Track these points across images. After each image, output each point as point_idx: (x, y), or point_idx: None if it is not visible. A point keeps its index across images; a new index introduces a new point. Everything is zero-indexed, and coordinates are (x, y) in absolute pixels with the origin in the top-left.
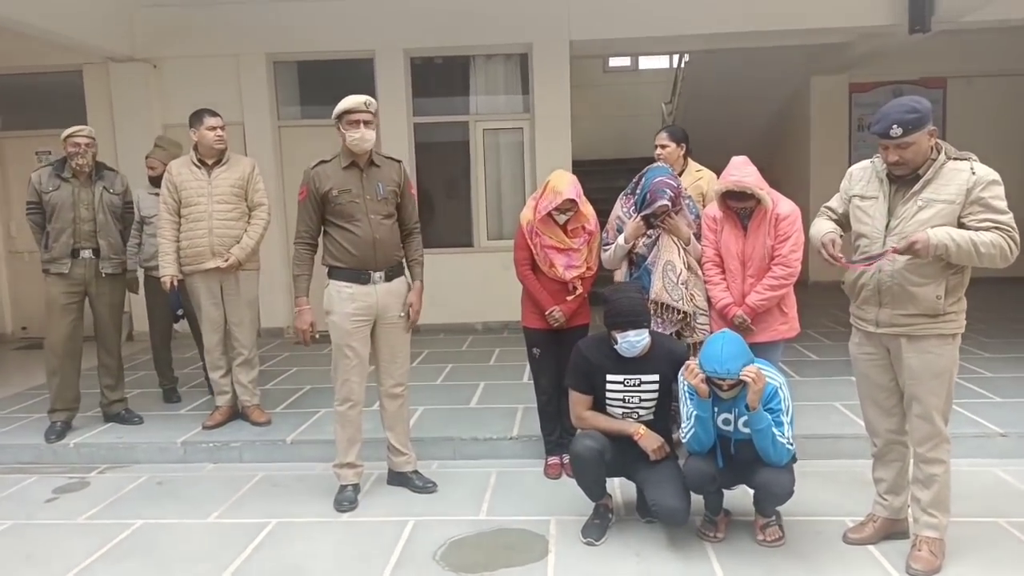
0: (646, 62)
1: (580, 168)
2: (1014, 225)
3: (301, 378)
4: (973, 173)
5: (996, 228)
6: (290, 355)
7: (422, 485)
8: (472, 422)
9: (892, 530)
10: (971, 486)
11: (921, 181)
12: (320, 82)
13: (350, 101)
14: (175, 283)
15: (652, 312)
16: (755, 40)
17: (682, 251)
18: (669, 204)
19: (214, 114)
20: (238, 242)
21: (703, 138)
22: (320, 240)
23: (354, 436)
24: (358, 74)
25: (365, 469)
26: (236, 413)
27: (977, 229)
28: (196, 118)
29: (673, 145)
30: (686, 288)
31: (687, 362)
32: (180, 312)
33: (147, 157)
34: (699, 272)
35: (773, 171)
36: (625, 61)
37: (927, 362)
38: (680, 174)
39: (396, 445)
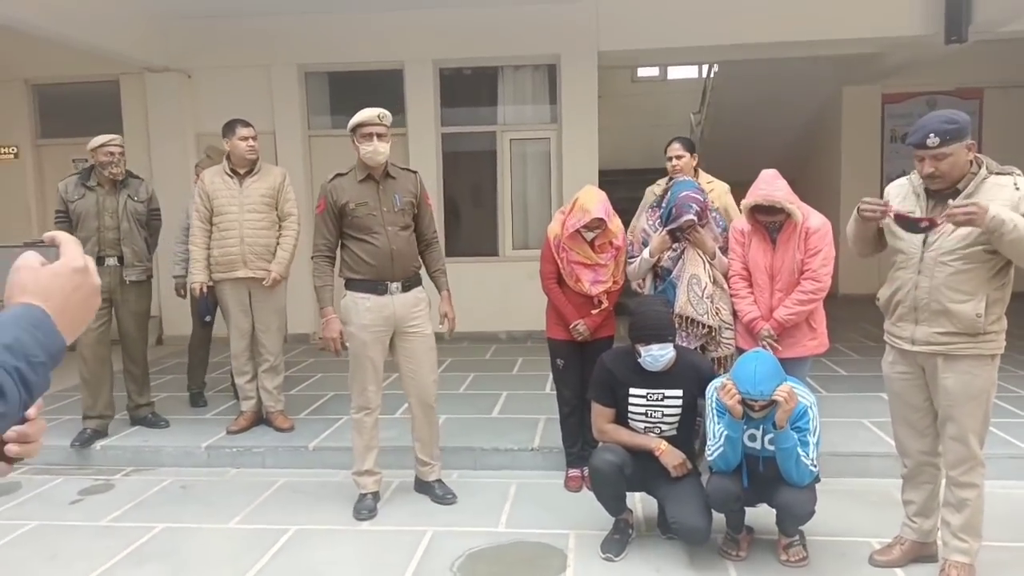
0: (675, 72)
1: (607, 177)
2: None
3: (324, 384)
4: (1017, 188)
5: None
6: (314, 361)
7: (441, 495)
8: (493, 432)
9: (920, 553)
10: (1003, 509)
11: (962, 196)
12: (350, 92)
13: (364, 114)
14: (204, 289)
15: (677, 326)
16: (785, 50)
17: (708, 265)
18: (695, 219)
19: (246, 124)
20: (271, 251)
21: (731, 149)
22: (337, 253)
23: (370, 443)
24: (388, 85)
25: (385, 477)
26: (260, 418)
27: None
28: (229, 128)
29: (687, 156)
30: (711, 302)
31: (723, 381)
32: (208, 318)
33: (196, 166)
34: (724, 286)
35: (803, 183)
36: (654, 71)
37: (964, 383)
38: None
39: (420, 455)
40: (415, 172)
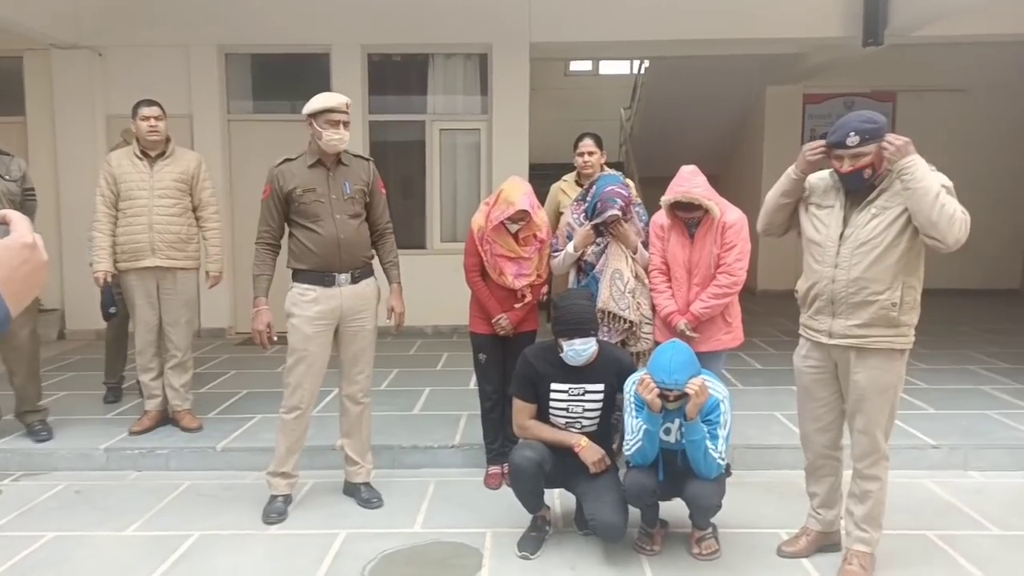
0: (607, 67)
1: (537, 171)
2: (969, 219)
3: (239, 382)
4: None
5: (959, 206)
6: (229, 358)
7: (366, 499)
8: (414, 429)
9: (825, 543)
10: (903, 499)
11: (876, 191)
12: (273, 76)
13: (331, 100)
14: (108, 279)
15: (599, 320)
16: (711, 48)
17: (630, 259)
18: (619, 214)
19: (151, 104)
20: (182, 239)
21: (660, 144)
22: (284, 242)
23: (295, 445)
24: (313, 69)
25: (300, 479)
26: (166, 418)
27: None
28: (134, 109)
29: (599, 152)
30: (633, 297)
31: (641, 376)
32: (112, 310)
33: (111, 150)
34: (645, 280)
35: (726, 179)
36: (587, 65)
37: (874, 378)
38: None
39: (351, 454)
40: (369, 160)
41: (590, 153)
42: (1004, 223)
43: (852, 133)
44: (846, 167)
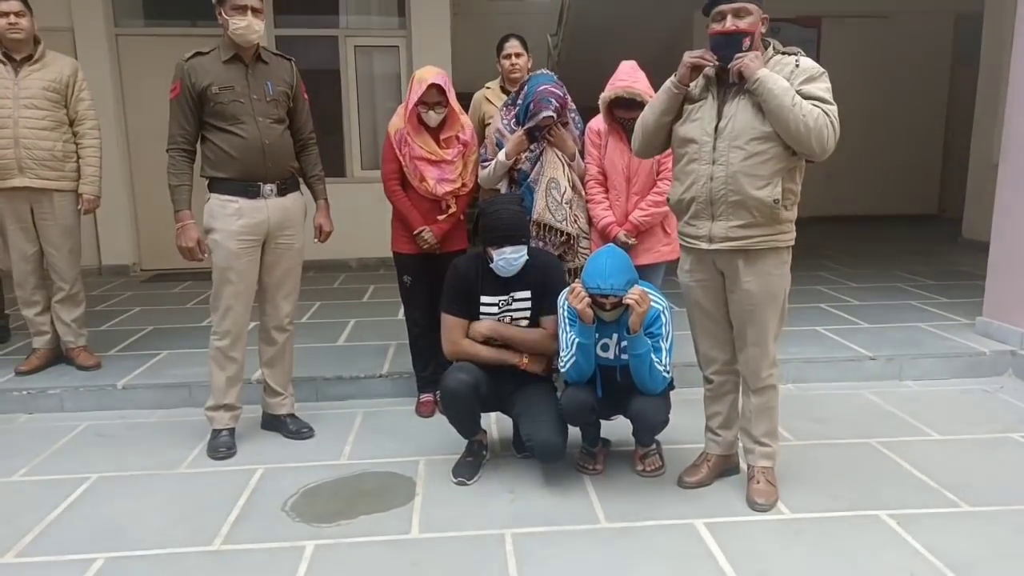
0: None
1: (462, 102)
2: (837, 117)
3: (144, 319)
4: (797, 66)
5: (820, 111)
6: (134, 295)
7: (295, 430)
8: (339, 360)
9: (724, 467)
10: (844, 409)
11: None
12: None
13: None
14: None
15: (534, 234)
16: None
17: (567, 168)
18: (554, 115)
19: None
20: (55, 157)
21: (587, 72)
22: (198, 148)
23: (236, 376)
24: None
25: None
26: (58, 356)
27: None
28: None
29: (526, 55)
30: (570, 208)
31: (572, 285)
32: None
33: None
34: (583, 192)
35: None
36: None
37: (765, 284)
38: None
39: (273, 385)
40: (291, 60)
41: (517, 55)
42: (923, 150)
43: None
44: (728, 25)
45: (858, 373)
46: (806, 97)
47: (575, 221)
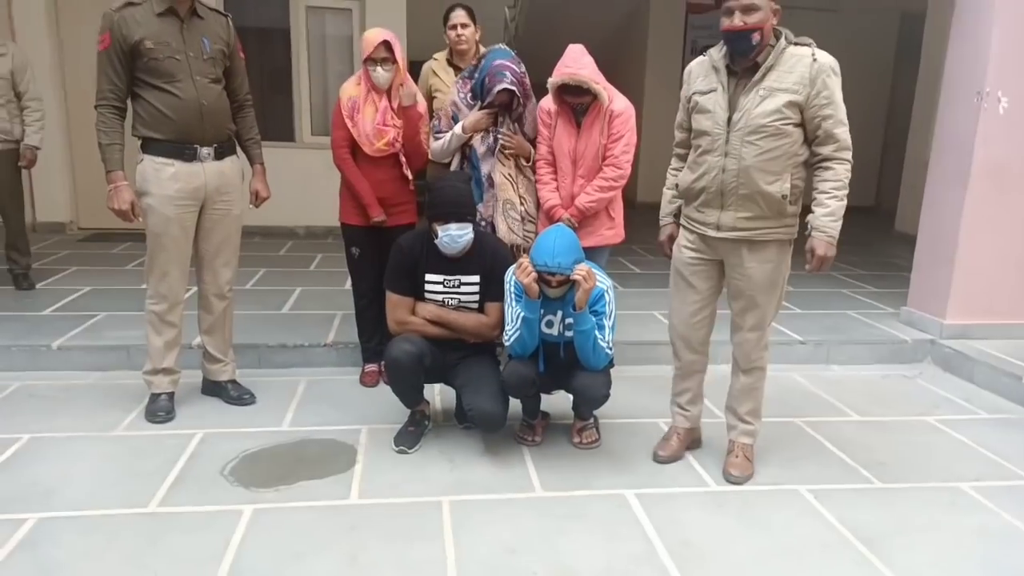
0: None
1: (417, 71)
2: (850, 141)
3: (81, 279)
4: (815, 60)
5: (836, 153)
6: (71, 254)
7: (236, 396)
8: (282, 328)
9: (691, 439)
10: (774, 390)
11: (762, 69)
12: None
13: None
14: None
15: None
16: None
17: (517, 185)
18: (513, 88)
19: None
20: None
21: (544, 46)
22: (130, 105)
23: (174, 340)
24: None
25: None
26: None
27: (821, 124)
28: None
29: (472, 25)
30: (528, 221)
31: (519, 260)
32: None
33: None
34: (533, 211)
35: (613, 83)
36: None
37: (767, 272)
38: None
39: (213, 351)
40: (227, 16)
41: (463, 26)
42: (862, 144)
43: None
44: (736, 22)
45: (789, 356)
46: (827, 136)
47: (535, 234)
